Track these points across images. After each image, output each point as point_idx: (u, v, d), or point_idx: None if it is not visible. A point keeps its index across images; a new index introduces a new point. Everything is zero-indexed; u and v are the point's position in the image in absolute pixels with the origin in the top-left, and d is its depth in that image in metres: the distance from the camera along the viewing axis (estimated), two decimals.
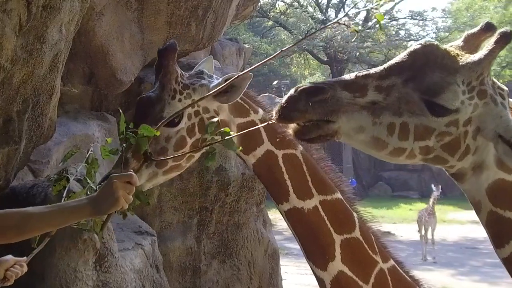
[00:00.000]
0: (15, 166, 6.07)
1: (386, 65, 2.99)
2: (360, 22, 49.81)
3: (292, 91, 2.90)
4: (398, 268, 4.20)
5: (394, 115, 2.88)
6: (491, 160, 2.96)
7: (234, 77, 4.02)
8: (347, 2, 53.14)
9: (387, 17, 51.05)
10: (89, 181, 4.29)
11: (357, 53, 44.95)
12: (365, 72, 2.97)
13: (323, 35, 44.14)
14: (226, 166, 9.15)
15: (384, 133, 2.89)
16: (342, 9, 52.83)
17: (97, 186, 3.95)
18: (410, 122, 2.88)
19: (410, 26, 56.97)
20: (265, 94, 58.45)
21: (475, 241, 26.61)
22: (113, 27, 7.95)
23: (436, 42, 3.00)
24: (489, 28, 3.06)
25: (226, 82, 4.20)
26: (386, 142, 2.91)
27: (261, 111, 4.53)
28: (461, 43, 3.10)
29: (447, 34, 48.42)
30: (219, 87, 4.09)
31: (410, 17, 50.52)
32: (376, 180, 48.59)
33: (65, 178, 4.41)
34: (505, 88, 3.03)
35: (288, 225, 4.29)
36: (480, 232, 28.21)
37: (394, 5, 55.50)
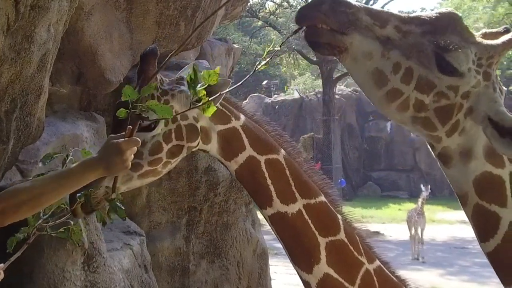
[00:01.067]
0: (3, 166, 6.05)
1: (411, 15, 3.06)
2: None
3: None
4: (384, 268, 4.21)
5: (403, 56, 2.91)
6: (480, 151, 3.00)
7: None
8: None
9: None
10: None
11: None
12: (390, 11, 3.04)
13: None
14: (215, 166, 9.16)
15: (389, 69, 2.92)
16: None
17: None
18: (416, 70, 2.91)
19: None
20: (255, 94, 58.68)
21: (464, 241, 26.70)
22: (102, 27, 7.93)
23: (460, 15, 3.08)
24: (507, 31, 3.12)
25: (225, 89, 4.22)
26: (388, 78, 2.93)
27: (242, 117, 4.51)
28: (480, 35, 3.16)
29: None
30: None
31: None
32: (365, 180, 48.69)
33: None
34: (504, 88, 3.11)
35: (272, 230, 4.29)
36: (469, 232, 28.30)
37: (384, 5, 55.66)
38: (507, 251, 3.01)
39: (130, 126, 3.26)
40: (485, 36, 3.15)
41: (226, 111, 4.49)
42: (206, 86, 3.42)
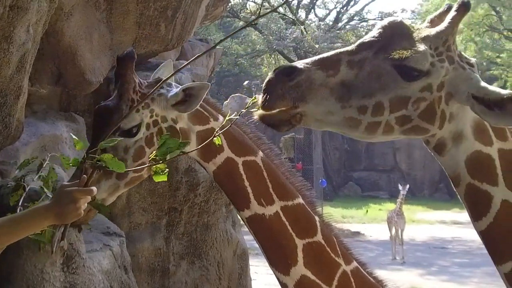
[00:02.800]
0: None
1: (357, 42, 3.08)
2: (330, 23, 50.00)
3: (270, 74, 2.97)
4: (361, 269, 4.23)
5: (365, 97, 2.94)
6: (469, 131, 3.04)
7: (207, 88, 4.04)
8: (317, 3, 53.31)
9: (357, 18, 51.31)
10: (46, 190, 4.27)
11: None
12: (339, 50, 3.05)
13: (294, 36, 44.22)
14: (196, 167, 9.15)
15: (356, 113, 2.95)
16: (312, 10, 52.99)
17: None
18: (383, 99, 2.93)
19: None
20: (236, 94, 58.60)
21: (444, 241, 26.86)
22: (82, 28, 7.91)
23: (401, 18, 3.13)
24: (450, 8, 3.17)
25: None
26: (360, 119, 2.95)
27: (221, 118, 4.53)
28: (428, 24, 3.21)
29: None
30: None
31: (379, 18, 50.71)
32: (346, 181, 48.81)
33: (22, 187, 4.39)
34: (473, 59, 3.13)
35: (250, 232, 4.31)
36: (448, 232, 28.61)
37: (364, 6, 55.85)
38: (499, 229, 3.04)
39: (85, 176, 3.25)
40: (433, 22, 3.21)
41: (205, 112, 4.50)
42: (161, 146, 3.39)
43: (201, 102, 4.40)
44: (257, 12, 49.58)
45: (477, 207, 3.10)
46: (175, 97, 4.38)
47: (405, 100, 2.94)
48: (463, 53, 3.13)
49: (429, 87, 2.96)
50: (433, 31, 3.04)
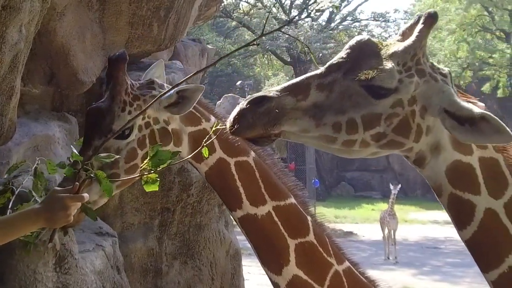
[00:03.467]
0: None
1: (326, 65, 3.09)
2: (323, 23, 50.03)
3: (241, 103, 2.99)
4: (354, 269, 4.24)
5: (338, 114, 2.95)
6: (446, 141, 3.04)
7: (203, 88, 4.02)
8: (310, 3, 53.34)
9: (350, 19, 51.36)
10: (34, 194, 4.26)
11: (320, 54, 45.14)
12: (308, 74, 3.06)
13: (286, 36, 44.23)
14: (188, 167, 9.14)
15: (331, 131, 2.96)
16: (305, 10, 53.01)
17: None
18: (356, 116, 2.94)
19: (372, 28, 57.23)
20: (229, 94, 58.56)
21: (436, 241, 26.91)
22: (74, 27, 7.90)
23: (368, 36, 3.13)
24: (419, 19, 3.17)
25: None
26: (335, 137, 2.97)
27: (213, 119, 4.53)
28: (400, 37, 3.22)
29: None
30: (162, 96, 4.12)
31: (372, 19, 50.93)
32: (338, 181, 48.88)
33: (10, 190, 4.39)
34: (446, 69, 3.13)
35: (242, 232, 4.31)
36: (441, 232, 28.66)
37: (357, 6, 55.89)
38: (484, 238, 3.05)
39: (77, 183, 3.25)
40: (405, 34, 3.21)
41: (197, 113, 4.50)
42: (153, 157, 3.39)
43: (197, 104, 4.41)
44: (250, 11, 49.64)
45: (460, 216, 3.11)
46: (168, 99, 4.38)
47: (377, 117, 2.96)
48: (435, 63, 3.14)
49: (400, 102, 2.97)
50: (401, 46, 3.05)
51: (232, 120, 2.98)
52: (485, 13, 49.63)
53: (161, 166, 3.35)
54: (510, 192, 3.04)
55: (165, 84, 4.65)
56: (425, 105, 3.00)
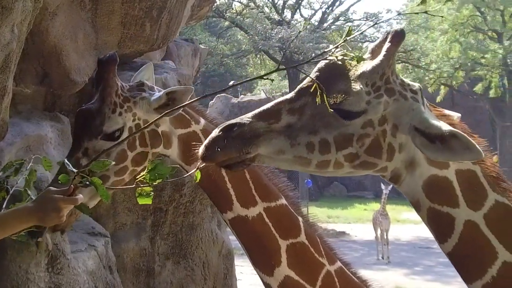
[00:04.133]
0: None
1: (296, 89, 3.14)
2: (316, 23, 50.05)
3: (215, 130, 3.00)
4: (345, 269, 4.25)
5: (310, 134, 2.98)
6: (421, 156, 3.07)
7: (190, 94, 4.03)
8: (302, 3, 53.37)
9: (343, 19, 51.37)
10: (29, 192, 4.26)
11: (313, 54, 45.15)
12: (278, 100, 3.09)
13: (279, 36, 44.25)
14: None
15: (305, 152, 2.99)
16: (298, 10, 53.04)
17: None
18: (329, 136, 2.98)
19: (365, 27, 57.32)
20: (221, 94, 58.35)
21: (429, 241, 26.92)
22: (67, 27, 7.88)
23: (340, 56, 3.12)
24: (388, 35, 3.19)
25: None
26: (309, 158, 3.00)
27: (202, 121, 4.54)
28: (369, 55, 3.24)
29: None
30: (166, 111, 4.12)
31: (365, 19, 50.88)
32: (331, 181, 48.91)
33: (5, 189, 4.39)
34: (417, 85, 3.14)
35: (233, 233, 4.32)
36: None
37: (349, 7, 55.91)
38: (465, 250, 3.07)
39: (72, 186, 3.26)
40: (374, 52, 3.24)
41: (186, 115, 4.50)
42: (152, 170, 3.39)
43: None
44: (242, 11, 49.62)
45: (440, 230, 3.13)
46: (158, 101, 4.39)
47: (348, 138, 2.98)
48: (406, 80, 3.15)
49: (370, 123, 2.99)
50: (369, 66, 3.06)
51: (204, 146, 3.00)
52: (477, 13, 49.71)
53: (158, 181, 3.36)
54: (489, 203, 3.07)
55: (156, 87, 4.67)
56: (396, 123, 3.03)
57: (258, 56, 52.86)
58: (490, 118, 50.78)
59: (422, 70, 47.65)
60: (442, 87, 49.76)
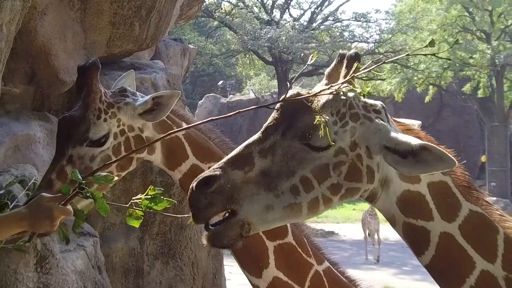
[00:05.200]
0: None
1: (262, 128, 3.11)
2: (305, 23, 50.10)
3: (191, 186, 2.99)
4: (333, 269, 4.26)
5: (290, 177, 2.97)
6: (393, 173, 3.11)
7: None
8: (291, 3, 53.41)
9: (331, 19, 51.45)
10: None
11: (302, 54, 45.21)
12: (247, 142, 3.07)
13: (268, 36, 44.28)
14: None
15: (292, 197, 2.97)
16: (287, 10, 53.08)
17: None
18: (306, 171, 2.98)
19: (354, 28, 57.37)
20: (210, 94, 58.38)
21: None
22: (56, 27, 7.86)
23: (297, 90, 3.15)
24: (343, 58, 3.24)
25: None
26: (298, 202, 2.98)
27: (184, 125, 4.55)
28: (325, 81, 3.28)
29: (390, 36, 49.00)
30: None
31: (354, 19, 51.01)
32: None
33: (6, 204, 4.40)
34: (379, 103, 3.16)
35: None
36: None
37: (339, 7, 55.97)
38: (443, 261, 3.10)
39: (67, 195, 3.26)
40: (330, 76, 3.29)
41: (168, 121, 4.51)
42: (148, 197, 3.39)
43: (169, 111, 4.42)
44: (231, 11, 49.60)
45: (417, 243, 3.17)
46: (144, 105, 4.39)
47: (325, 168, 3.00)
48: (368, 100, 3.17)
49: (341, 150, 3.02)
50: (331, 95, 3.07)
51: (191, 208, 3.00)
52: (466, 13, 49.92)
53: (153, 208, 3.37)
54: (464, 213, 3.10)
55: (138, 93, 4.67)
56: (368, 145, 3.05)
57: (247, 56, 52.94)
58: (478, 118, 51.03)
59: (410, 70, 47.83)
60: (430, 87, 49.98)
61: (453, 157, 2.85)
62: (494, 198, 45.05)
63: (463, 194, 3.13)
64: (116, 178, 3.56)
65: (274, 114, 3.12)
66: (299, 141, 2.98)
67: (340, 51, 3.29)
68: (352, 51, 3.18)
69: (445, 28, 48.82)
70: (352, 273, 4.43)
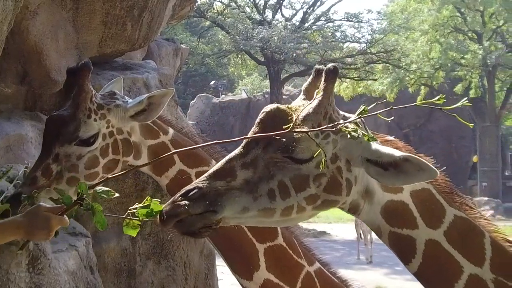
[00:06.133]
0: None
1: (243, 143, 3.12)
2: (297, 23, 50.11)
3: (175, 196, 3.01)
4: (324, 269, 4.26)
5: (269, 181, 2.99)
6: (375, 184, 3.13)
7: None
8: (284, 3, 53.41)
9: (323, 19, 51.48)
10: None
11: (294, 54, 45.23)
12: (228, 157, 3.09)
13: (260, 36, 44.27)
14: None
15: (267, 201, 2.99)
16: (279, 10, 53.05)
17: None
18: (285, 178, 2.99)
19: (346, 28, 57.58)
20: (202, 94, 58.28)
21: None
22: (48, 26, 7.85)
23: (277, 105, 3.18)
24: (319, 72, 3.25)
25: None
26: (273, 207, 3.00)
27: (171, 131, 4.56)
28: (303, 96, 3.31)
29: (382, 36, 49.04)
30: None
31: (346, 19, 50.98)
32: None
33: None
34: (353, 117, 3.14)
35: (209, 241, 4.32)
36: None
37: (331, 7, 55.99)
38: (430, 267, 3.13)
39: (65, 206, 3.27)
40: (308, 91, 3.30)
41: (154, 126, 4.51)
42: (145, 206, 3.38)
43: (161, 111, 4.42)
44: (223, 11, 49.57)
45: (403, 251, 3.21)
46: (137, 106, 4.40)
47: (305, 179, 3.01)
48: (346, 114, 3.20)
49: (322, 162, 3.00)
50: (311, 108, 3.09)
51: (167, 214, 3.01)
52: (457, 14, 50.05)
53: (149, 218, 3.38)
54: (449, 219, 3.14)
55: (126, 97, 4.67)
56: (348, 158, 3.07)
57: (239, 56, 52.89)
58: (470, 118, 51.10)
59: (402, 71, 47.90)
60: (422, 87, 50.10)
61: (434, 167, 2.86)
62: (486, 198, 45.24)
63: (447, 200, 3.16)
64: (117, 194, 3.55)
65: (254, 129, 3.15)
66: (281, 153, 3.00)
67: (316, 66, 3.29)
68: (330, 65, 3.17)
69: (437, 29, 48.96)
70: (344, 273, 4.43)
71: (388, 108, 3.10)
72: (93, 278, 7.50)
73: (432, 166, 2.86)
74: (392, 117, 3.78)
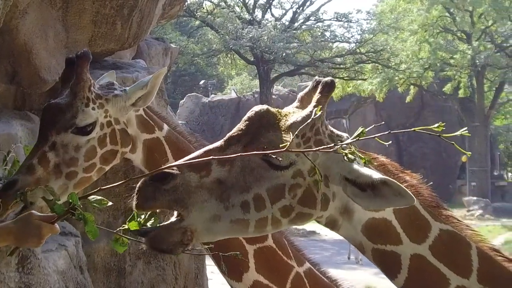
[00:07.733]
0: None
1: (226, 137, 3.08)
2: (287, 23, 50.14)
3: (144, 179, 2.95)
4: (315, 270, 4.26)
5: (243, 192, 2.94)
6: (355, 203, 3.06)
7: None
8: (273, 3, 53.40)
9: (313, 19, 51.53)
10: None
11: (284, 54, 45.21)
12: (208, 147, 3.06)
13: (250, 35, 44.27)
14: None
15: (241, 212, 2.94)
16: (269, 9, 53.04)
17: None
18: (261, 190, 2.95)
19: (335, 28, 57.54)
20: (192, 93, 58.17)
21: None
22: (37, 25, 7.83)
23: (267, 106, 3.13)
24: (318, 83, 3.19)
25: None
26: (246, 218, 2.95)
27: (166, 127, 4.55)
28: (297, 104, 3.26)
29: (371, 36, 49.11)
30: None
31: (335, 19, 51.01)
32: None
33: None
34: (345, 135, 3.14)
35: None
36: None
37: (320, 7, 56.04)
38: (416, 282, 3.11)
39: (56, 215, 3.26)
40: (303, 100, 3.26)
41: (150, 121, 4.51)
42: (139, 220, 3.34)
43: (155, 95, 4.43)
44: (213, 11, 49.55)
45: (388, 267, 3.18)
46: (141, 91, 4.39)
47: (281, 188, 2.97)
48: (335, 130, 3.17)
49: (299, 173, 3.00)
50: (299, 116, 3.07)
51: (136, 193, 2.95)
52: (447, 14, 50.18)
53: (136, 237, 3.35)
54: (434, 233, 3.10)
55: (124, 87, 4.67)
56: (326, 174, 3.03)
57: (229, 55, 52.85)
58: (459, 118, 51.26)
59: (391, 70, 47.96)
60: (411, 87, 50.16)
61: (412, 194, 2.82)
62: (475, 198, 45.38)
63: (432, 215, 3.13)
64: (110, 203, 3.52)
65: (240, 125, 3.10)
66: (259, 156, 2.96)
67: (316, 77, 3.26)
68: (328, 78, 3.15)
69: (426, 29, 49.06)
70: (333, 273, 4.43)
71: (386, 132, 3.05)
72: (83, 277, 7.49)
73: (409, 193, 2.81)
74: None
